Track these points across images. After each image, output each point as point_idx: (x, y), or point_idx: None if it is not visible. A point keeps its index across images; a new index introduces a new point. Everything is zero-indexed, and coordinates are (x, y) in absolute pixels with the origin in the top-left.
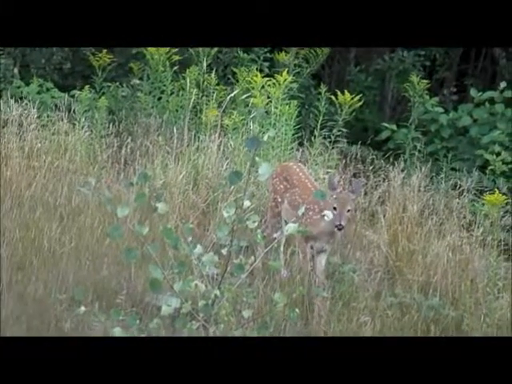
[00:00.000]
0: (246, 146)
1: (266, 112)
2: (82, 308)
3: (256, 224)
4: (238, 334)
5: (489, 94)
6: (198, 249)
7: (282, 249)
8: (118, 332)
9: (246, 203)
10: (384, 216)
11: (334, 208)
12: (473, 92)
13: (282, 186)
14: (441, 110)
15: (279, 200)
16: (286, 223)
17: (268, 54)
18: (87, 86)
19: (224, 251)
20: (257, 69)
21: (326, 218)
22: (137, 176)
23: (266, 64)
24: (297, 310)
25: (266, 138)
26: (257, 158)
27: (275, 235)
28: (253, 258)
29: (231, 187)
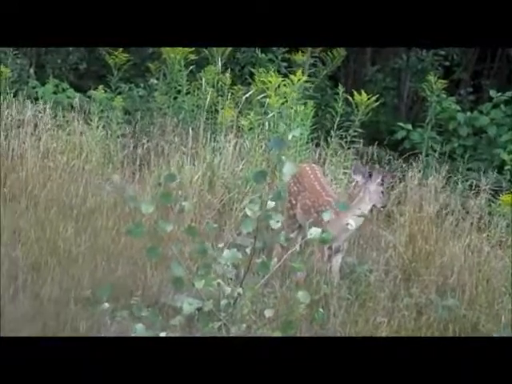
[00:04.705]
0: (270, 146)
1: (280, 113)
2: (106, 304)
3: (279, 224)
4: (260, 333)
5: (509, 94)
6: (226, 253)
7: (298, 249)
8: (140, 328)
9: (270, 204)
10: (401, 216)
11: (382, 192)
12: (492, 92)
13: (295, 188)
14: (458, 108)
15: (293, 202)
16: (300, 225)
17: (286, 55)
18: (101, 86)
19: (248, 250)
20: (275, 70)
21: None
22: (165, 176)
23: (284, 64)
24: (321, 310)
25: (290, 137)
26: (283, 158)
27: (292, 235)
28: (275, 259)
29: (247, 187)
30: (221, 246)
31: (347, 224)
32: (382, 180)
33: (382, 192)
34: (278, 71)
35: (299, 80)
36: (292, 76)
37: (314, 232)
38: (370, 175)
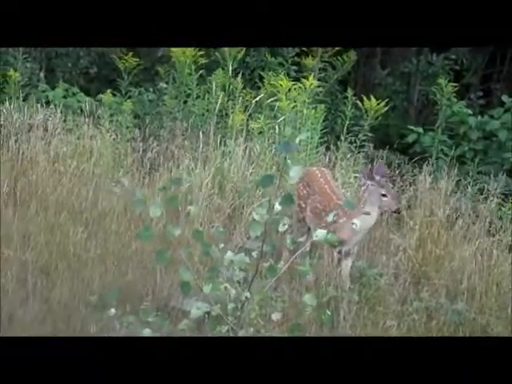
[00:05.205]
0: (279, 149)
1: (289, 117)
2: (113, 310)
3: (286, 227)
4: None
5: None
6: (229, 254)
7: (306, 252)
8: (147, 333)
9: (277, 207)
10: (411, 220)
11: (384, 195)
12: (504, 98)
13: (305, 192)
14: (469, 111)
15: (303, 205)
16: (309, 229)
17: (296, 58)
18: (109, 90)
19: (254, 254)
20: (284, 73)
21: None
22: (170, 180)
23: (294, 68)
24: (328, 312)
25: (297, 140)
26: (289, 161)
27: (301, 239)
28: (282, 262)
29: (257, 191)
30: (221, 246)
31: (352, 224)
32: (378, 182)
33: (384, 195)
34: (288, 75)
35: (311, 84)
36: (304, 80)
37: (320, 234)
38: (368, 176)
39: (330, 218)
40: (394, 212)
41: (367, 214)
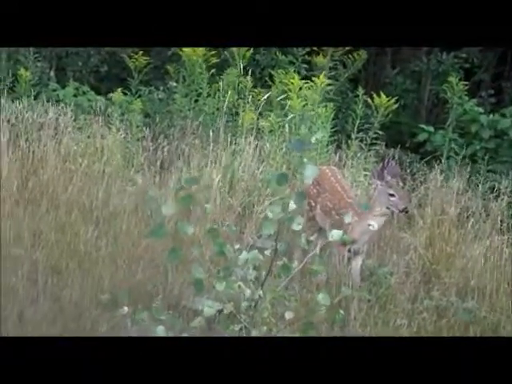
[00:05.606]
0: (291, 148)
1: (300, 116)
2: (125, 308)
3: (300, 226)
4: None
5: None
6: (244, 254)
7: (318, 251)
8: (160, 331)
9: (292, 205)
10: (421, 218)
11: (391, 195)
12: None
13: (315, 191)
14: (481, 110)
15: (313, 204)
16: (321, 228)
17: (306, 57)
18: (119, 89)
19: (267, 252)
20: (295, 71)
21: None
22: (185, 180)
23: (305, 66)
24: (341, 311)
25: (313, 139)
26: (305, 160)
27: (311, 238)
28: (296, 261)
29: (267, 190)
30: (237, 246)
31: (369, 225)
32: (387, 182)
33: (392, 194)
34: (299, 73)
35: (322, 83)
36: (316, 79)
37: (335, 234)
38: (378, 175)
39: (347, 220)
40: (401, 211)
41: (386, 214)
